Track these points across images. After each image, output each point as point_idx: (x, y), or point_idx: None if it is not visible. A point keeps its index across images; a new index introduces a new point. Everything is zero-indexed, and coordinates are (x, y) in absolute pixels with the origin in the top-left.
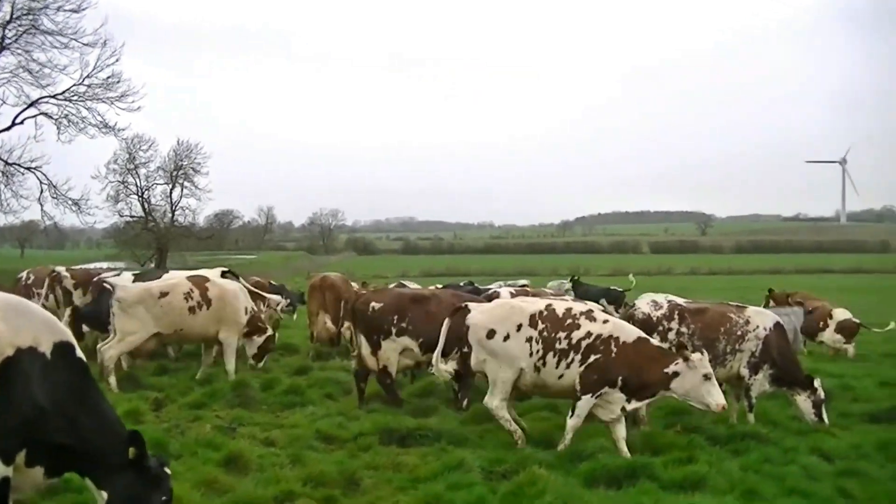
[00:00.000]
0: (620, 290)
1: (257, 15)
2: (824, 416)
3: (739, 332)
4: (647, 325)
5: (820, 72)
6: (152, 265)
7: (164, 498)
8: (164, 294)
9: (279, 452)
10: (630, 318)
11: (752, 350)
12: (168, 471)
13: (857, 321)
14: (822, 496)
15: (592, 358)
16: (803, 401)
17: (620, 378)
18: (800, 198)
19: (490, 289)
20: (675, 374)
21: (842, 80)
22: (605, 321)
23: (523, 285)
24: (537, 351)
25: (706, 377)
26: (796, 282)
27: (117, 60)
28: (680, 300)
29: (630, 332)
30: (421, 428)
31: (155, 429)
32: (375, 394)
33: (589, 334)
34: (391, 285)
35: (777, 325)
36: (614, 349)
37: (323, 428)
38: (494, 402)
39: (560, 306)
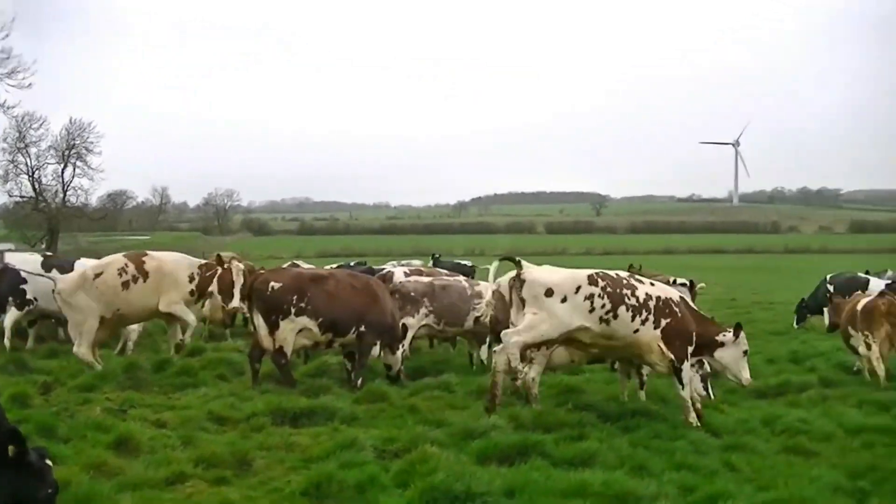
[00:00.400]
0: (470, 264)
1: None
2: (710, 390)
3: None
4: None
5: (711, 55)
6: (42, 246)
7: (49, 491)
8: (98, 274)
9: (170, 434)
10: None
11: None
12: (50, 463)
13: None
14: (708, 469)
15: (664, 322)
16: (726, 353)
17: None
18: (694, 179)
19: (384, 269)
20: (723, 344)
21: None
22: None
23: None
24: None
25: (745, 353)
26: (689, 262)
27: (7, 36)
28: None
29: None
30: (314, 408)
31: (43, 413)
32: (269, 374)
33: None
34: (284, 265)
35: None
36: (678, 311)
37: (215, 409)
38: (515, 338)
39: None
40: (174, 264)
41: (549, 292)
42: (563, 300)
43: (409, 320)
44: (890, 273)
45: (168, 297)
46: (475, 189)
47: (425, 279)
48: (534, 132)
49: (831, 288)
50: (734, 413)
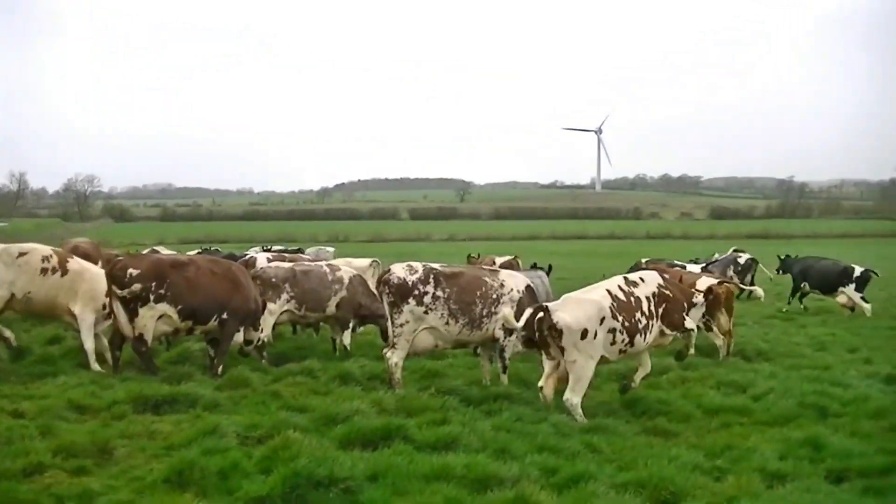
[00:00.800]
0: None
1: None
2: None
3: (495, 296)
4: (402, 289)
5: (575, 44)
6: None
7: None
8: (22, 254)
9: (28, 424)
10: (385, 283)
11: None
12: None
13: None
14: (570, 451)
15: (662, 308)
16: None
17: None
18: (557, 166)
19: (247, 255)
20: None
21: (599, 52)
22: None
23: (280, 250)
24: (622, 340)
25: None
26: (552, 247)
27: None
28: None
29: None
30: (176, 395)
31: None
32: (130, 362)
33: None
34: (144, 251)
35: (528, 287)
36: (668, 292)
37: (75, 397)
38: (575, 399)
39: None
40: (97, 276)
41: (584, 334)
42: (595, 335)
43: (270, 306)
44: (717, 255)
45: (83, 305)
46: (339, 175)
47: (286, 265)
48: (399, 118)
49: None
50: (596, 396)
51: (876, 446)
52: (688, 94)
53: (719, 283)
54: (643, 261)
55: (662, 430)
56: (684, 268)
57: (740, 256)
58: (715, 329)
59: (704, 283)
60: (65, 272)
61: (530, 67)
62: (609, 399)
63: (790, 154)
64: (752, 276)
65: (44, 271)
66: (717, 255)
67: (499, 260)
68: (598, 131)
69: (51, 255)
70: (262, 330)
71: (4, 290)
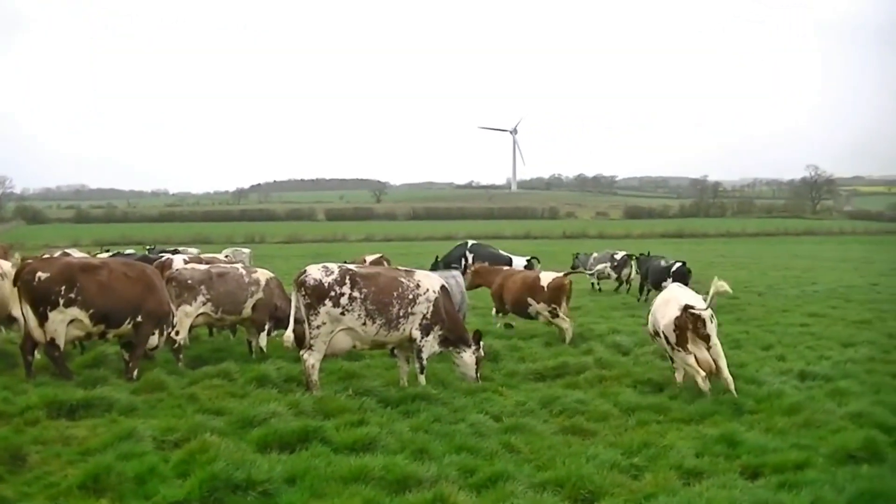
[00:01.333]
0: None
1: None
2: (479, 375)
3: (411, 296)
4: (318, 290)
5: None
6: None
7: None
8: None
9: None
10: (301, 285)
11: (423, 313)
12: None
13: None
14: (488, 451)
15: None
16: (468, 357)
17: None
18: (473, 166)
19: (162, 257)
20: None
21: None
22: None
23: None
24: None
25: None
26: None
27: None
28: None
29: None
30: (91, 399)
31: None
32: (45, 366)
33: None
34: (56, 254)
35: (443, 287)
36: None
37: None
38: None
39: None
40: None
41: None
42: None
43: (186, 308)
44: (595, 255)
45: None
46: (255, 176)
47: (202, 267)
48: (314, 118)
49: (470, 256)
50: (513, 396)
51: (790, 442)
52: (601, 94)
53: (564, 275)
54: (469, 243)
55: (580, 428)
56: (510, 260)
57: (617, 253)
58: (561, 315)
59: (547, 277)
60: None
61: (446, 66)
62: (526, 399)
63: (703, 154)
64: (630, 272)
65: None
66: (594, 254)
67: (368, 258)
68: (514, 131)
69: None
70: (178, 333)
71: None
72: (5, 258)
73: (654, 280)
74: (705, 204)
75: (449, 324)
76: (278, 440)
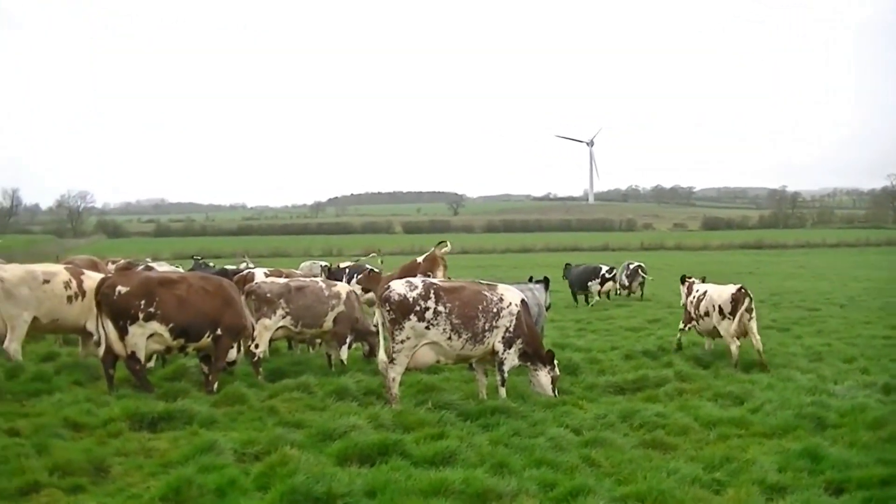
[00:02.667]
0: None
1: None
2: (556, 391)
3: (495, 309)
4: (403, 305)
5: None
6: None
7: None
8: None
9: (24, 442)
10: (386, 300)
11: (506, 326)
12: None
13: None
14: (568, 465)
15: None
16: (543, 376)
17: None
18: (550, 178)
19: (242, 270)
20: None
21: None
22: None
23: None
24: None
25: None
26: (546, 260)
27: None
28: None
29: None
30: (171, 412)
31: None
32: (126, 378)
33: None
34: (139, 268)
35: (523, 301)
36: None
37: (70, 415)
38: None
39: None
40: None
41: None
42: None
43: (265, 321)
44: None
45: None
46: (332, 189)
47: (282, 280)
48: (392, 131)
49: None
50: (592, 409)
51: (875, 457)
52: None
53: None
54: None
55: (660, 442)
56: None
57: (632, 263)
58: None
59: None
60: (84, 294)
61: (523, 78)
62: (606, 412)
63: (782, 164)
64: (642, 283)
65: (69, 299)
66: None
67: (343, 265)
68: (590, 143)
69: (70, 280)
70: (257, 346)
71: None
72: (96, 269)
73: (580, 284)
74: (784, 214)
75: (528, 337)
76: (358, 453)
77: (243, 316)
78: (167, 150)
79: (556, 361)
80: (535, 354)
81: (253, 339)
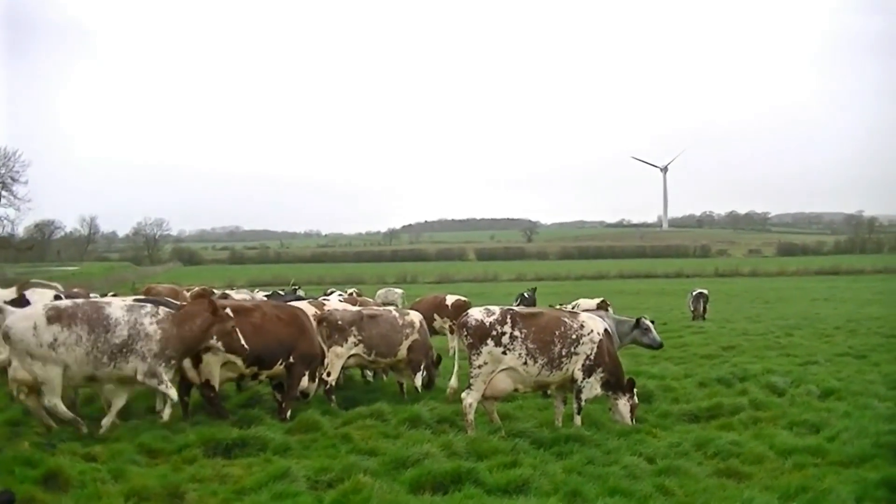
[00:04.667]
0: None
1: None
2: (634, 420)
3: (574, 336)
4: (480, 330)
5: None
6: None
7: None
8: None
9: (100, 468)
10: (463, 326)
11: (587, 353)
12: None
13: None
14: (642, 494)
15: None
16: (623, 405)
17: None
18: (623, 204)
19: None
20: None
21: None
22: None
23: (350, 293)
24: None
25: None
26: (620, 286)
27: None
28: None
29: None
30: (246, 438)
31: None
32: (201, 406)
33: None
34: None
35: (606, 330)
36: None
37: (146, 441)
38: None
39: None
40: None
41: None
42: None
43: (337, 349)
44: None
45: None
46: (406, 217)
47: (354, 308)
48: (465, 159)
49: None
50: (667, 437)
51: None
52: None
53: None
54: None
55: (735, 471)
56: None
57: (695, 290)
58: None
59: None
60: None
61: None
62: (680, 440)
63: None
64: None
65: None
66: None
67: (259, 294)
68: (664, 169)
69: None
70: (329, 374)
71: None
72: (177, 297)
73: None
74: (861, 239)
75: (610, 366)
76: (431, 481)
77: (317, 344)
78: (242, 176)
79: (635, 390)
80: (617, 384)
81: (325, 367)
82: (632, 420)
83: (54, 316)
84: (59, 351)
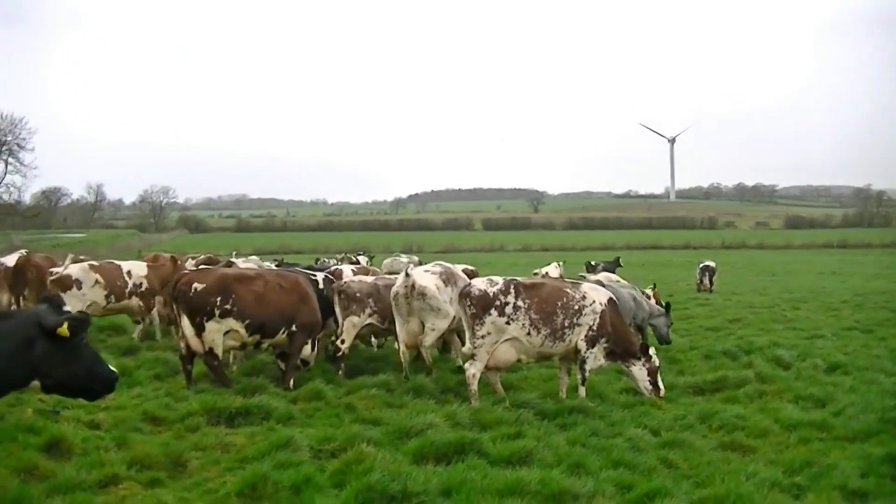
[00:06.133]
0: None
1: None
2: (660, 383)
3: (577, 307)
4: (484, 300)
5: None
6: None
7: None
8: None
9: (104, 435)
10: (467, 296)
11: (589, 324)
12: None
13: None
14: (646, 467)
15: None
16: (638, 370)
17: None
18: (630, 175)
19: (329, 266)
20: None
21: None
22: None
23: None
24: None
25: None
26: (626, 258)
27: None
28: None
29: None
30: (249, 407)
31: None
32: (204, 374)
33: None
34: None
35: (611, 300)
36: None
37: (150, 409)
38: None
39: None
40: None
41: None
42: None
43: (353, 319)
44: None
45: None
46: (413, 186)
47: (370, 279)
48: (472, 128)
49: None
50: (671, 410)
51: None
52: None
53: None
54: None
55: (740, 445)
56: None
57: (703, 262)
58: None
59: None
60: None
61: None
62: (684, 413)
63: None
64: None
65: None
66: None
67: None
68: (672, 140)
69: None
70: (343, 341)
71: None
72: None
73: None
74: (869, 213)
75: (615, 337)
76: (434, 452)
77: (318, 313)
78: (249, 145)
79: (650, 352)
80: (625, 353)
81: (339, 336)
82: (657, 382)
83: None
84: None
